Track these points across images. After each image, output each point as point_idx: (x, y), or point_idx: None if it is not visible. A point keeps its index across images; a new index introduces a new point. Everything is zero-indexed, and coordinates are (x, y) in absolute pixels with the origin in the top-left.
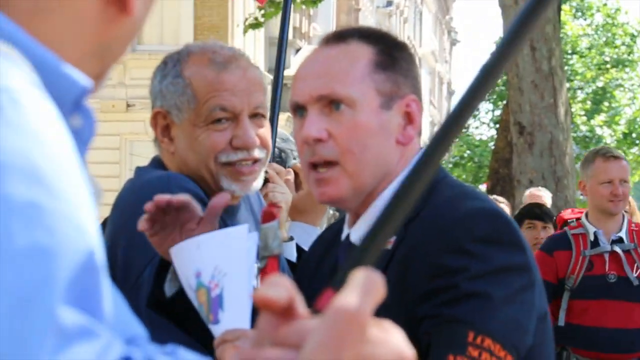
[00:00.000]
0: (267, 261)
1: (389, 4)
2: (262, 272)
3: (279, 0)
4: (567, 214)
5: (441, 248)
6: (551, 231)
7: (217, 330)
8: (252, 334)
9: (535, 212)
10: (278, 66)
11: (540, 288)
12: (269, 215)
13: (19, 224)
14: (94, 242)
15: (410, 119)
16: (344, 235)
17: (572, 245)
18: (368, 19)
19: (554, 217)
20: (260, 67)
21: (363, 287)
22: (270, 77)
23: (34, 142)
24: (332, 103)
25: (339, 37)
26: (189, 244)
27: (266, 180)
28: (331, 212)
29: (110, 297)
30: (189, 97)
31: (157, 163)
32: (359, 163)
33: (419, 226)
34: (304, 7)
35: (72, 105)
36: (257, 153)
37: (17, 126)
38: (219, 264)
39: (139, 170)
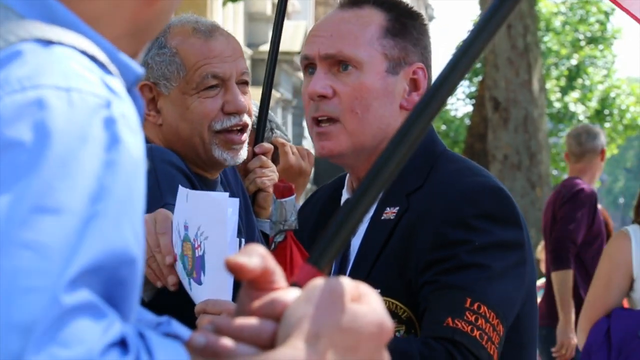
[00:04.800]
0: (286, 235)
1: None
2: (281, 245)
3: None
4: None
5: (446, 221)
6: None
7: (199, 291)
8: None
9: None
10: (274, 42)
11: (531, 264)
12: (287, 190)
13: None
14: (132, 237)
15: (416, 85)
16: (343, 200)
17: None
18: None
19: None
20: (240, 42)
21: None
22: (250, 52)
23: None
24: (340, 63)
25: (355, 1)
26: (182, 192)
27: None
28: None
29: (140, 287)
30: (177, 65)
31: None
32: (359, 123)
33: (424, 198)
34: None
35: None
36: (246, 118)
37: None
38: (202, 225)
39: None
